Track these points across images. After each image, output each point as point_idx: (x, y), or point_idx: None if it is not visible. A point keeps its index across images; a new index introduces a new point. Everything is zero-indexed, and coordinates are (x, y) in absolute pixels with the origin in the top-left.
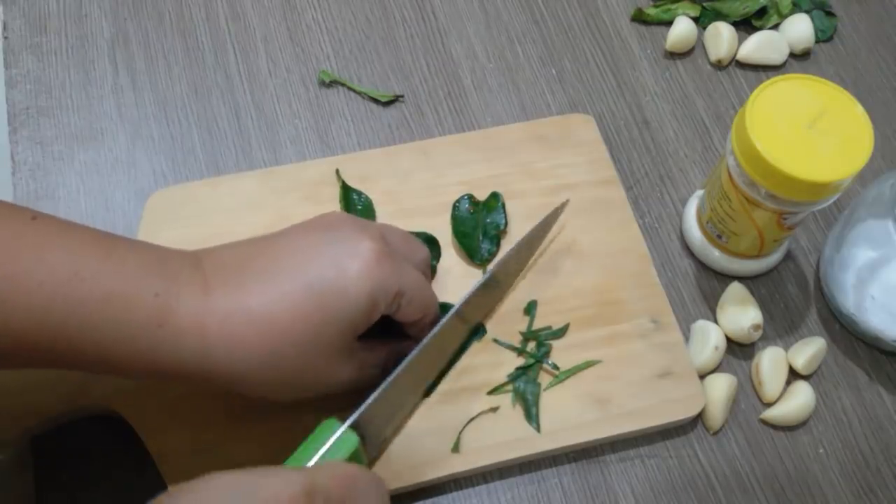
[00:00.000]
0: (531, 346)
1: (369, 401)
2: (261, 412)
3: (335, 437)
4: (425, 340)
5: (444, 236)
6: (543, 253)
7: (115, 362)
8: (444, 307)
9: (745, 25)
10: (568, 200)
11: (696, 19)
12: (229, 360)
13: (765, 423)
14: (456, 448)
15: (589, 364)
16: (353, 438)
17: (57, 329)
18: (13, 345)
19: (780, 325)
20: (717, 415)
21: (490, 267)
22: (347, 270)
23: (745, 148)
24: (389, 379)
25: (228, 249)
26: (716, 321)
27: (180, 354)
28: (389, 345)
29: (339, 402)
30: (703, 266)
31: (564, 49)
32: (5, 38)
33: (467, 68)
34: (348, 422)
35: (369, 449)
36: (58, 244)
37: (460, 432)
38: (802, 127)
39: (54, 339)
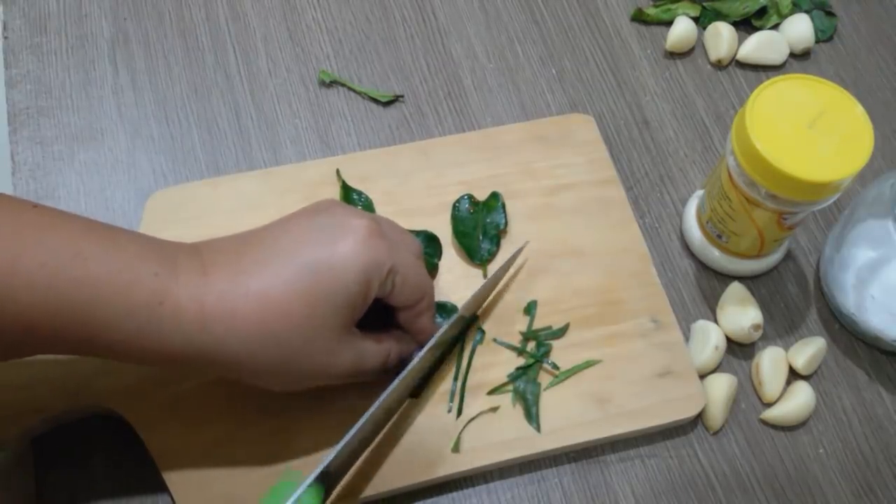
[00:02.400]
0: (531, 345)
1: (330, 458)
2: (260, 412)
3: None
4: (380, 399)
5: (444, 236)
6: (542, 255)
7: (116, 343)
8: (443, 306)
9: (745, 25)
10: (528, 242)
11: (696, 19)
12: (228, 339)
13: (765, 423)
14: (456, 448)
15: (589, 364)
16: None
17: (59, 309)
18: (15, 326)
19: (780, 325)
20: (717, 415)
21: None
22: (339, 247)
23: (745, 148)
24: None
25: (224, 240)
26: (716, 321)
27: (180, 334)
28: (392, 335)
29: (340, 397)
30: (703, 266)
31: (564, 49)
32: (5, 38)
33: (467, 68)
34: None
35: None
36: (59, 229)
37: (460, 432)
38: (802, 127)
39: (56, 319)
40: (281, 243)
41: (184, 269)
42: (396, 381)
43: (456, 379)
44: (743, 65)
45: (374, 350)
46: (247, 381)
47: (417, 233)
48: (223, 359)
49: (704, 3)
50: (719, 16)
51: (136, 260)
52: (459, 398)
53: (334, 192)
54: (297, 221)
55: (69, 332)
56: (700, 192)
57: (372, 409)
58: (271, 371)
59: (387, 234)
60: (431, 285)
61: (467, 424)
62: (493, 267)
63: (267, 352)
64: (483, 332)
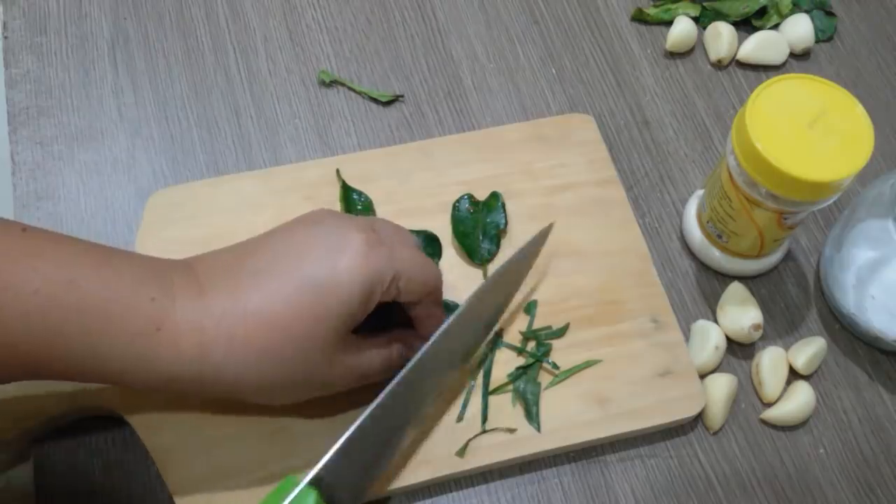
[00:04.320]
0: (531, 345)
1: (329, 455)
2: (261, 412)
3: (293, 495)
4: (390, 386)
5: (444, 236)
6: (542, 255)
7: (113, 370)
8: (445, 305)
9: (745, 25)
10: (553, 224)
11: (696, 19)
12: (228, 361)
13: (765, 423)
14: (462, 453)
15: (589, 363)
16: (312, 496)
17: (54, 337)
18: (9, 354)
19: (780, 324)
20: (717, 415)
21: (470, 296)
22: (339, 263)
23: (746, 148)
24: (349, 432)
25: (218, 254)
26: (716, 321)
27: (179, 358)
28: (394, 336)
29: (342, 398)
30: (703, 266)
31: (564, 49)
32: (5, 38)
33: (467, 68)
34: (307, 479)
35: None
36: (51, 254)
37: (469, 441)
38: (802, 127)
39: (51, 347)
40: (277, 257)
41: (180, 289)
42: (390, 386)
43: (485, 386)
44: (743, 65)
45: (375, 355)
46: (244, 400)
47: (417, 233)
48: (223, 382)
49: (704, 3)
50: (719, 16)
51: (132, 284)
52: (482, 406)
53: (334, 192)
54: (291, 234)
55: (64, 361)
56: (700, 192)
57: (365, 414)
58: (271, 389)
59: (385, 239)
60: (438, 274)
61: (478, 435)
62: (491, 267)
63: (267, 372)
64: (500, 336)
